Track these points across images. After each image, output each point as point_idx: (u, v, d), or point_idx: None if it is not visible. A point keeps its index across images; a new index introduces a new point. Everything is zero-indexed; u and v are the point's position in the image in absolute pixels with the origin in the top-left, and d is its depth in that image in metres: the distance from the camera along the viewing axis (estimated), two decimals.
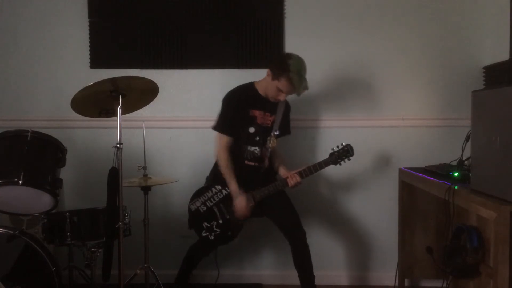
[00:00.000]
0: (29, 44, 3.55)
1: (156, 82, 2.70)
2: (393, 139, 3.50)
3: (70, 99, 2.58)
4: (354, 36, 3.48)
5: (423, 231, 3.22)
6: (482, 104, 2.29)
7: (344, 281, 3.57)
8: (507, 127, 2.05)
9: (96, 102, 2.67)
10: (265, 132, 3.05)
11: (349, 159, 2.96)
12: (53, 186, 2.74)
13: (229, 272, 3.52)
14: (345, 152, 2.94)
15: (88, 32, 3.53)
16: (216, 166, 3.08)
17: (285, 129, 3.15)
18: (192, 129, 3.53)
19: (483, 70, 3.42)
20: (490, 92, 2.37)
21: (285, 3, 3.48)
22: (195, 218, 3.02)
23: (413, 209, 3.21)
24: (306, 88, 2.89)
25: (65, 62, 3.55)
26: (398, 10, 3.47)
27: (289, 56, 2.91)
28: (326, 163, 2.95)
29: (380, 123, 3.50)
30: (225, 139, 3.00)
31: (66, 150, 2.86)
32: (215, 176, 3.06)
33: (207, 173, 3.15)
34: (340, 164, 2.96)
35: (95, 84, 2.51)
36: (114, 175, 2.61)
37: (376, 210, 3.53)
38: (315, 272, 2.98)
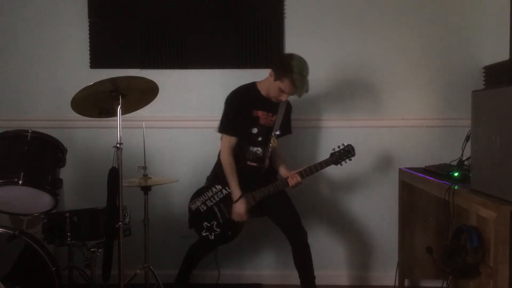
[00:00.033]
0: (29, 44, 3.55)
1: (156, 82, 2.70)
2: (393, 139, 3.50)
3: (70, 99, 2.58)
4: (354, 36, 3.48)
5: (423, 231, 3.21)
6: (482, 104, 2.29)
7: (344, 281, 3.57)
8: (507, 127, 2.05)
9: (96, 102, 2.67)
10: (267, 132, 3.04)
11: (350, 160, 2.95)
12: (53, 186, 2.74)
13: (229, 272, 3.52)
14: (346, 152, 2.93)
15: (88, 32, 3.53)
16: (217, 166, 3.07)
17: (286, 129, 3.14)
18: (192, 129, 3.53)
19: (483, 70, 3.42)
20: (490, 92, 2.37)
21: (285, 3, 3.48)
22: (195, 217, 3.02)
23: (413, 209, 3.21)
24: (307, 90, 2.88)
25: (65, 62, 3.55)
26: (398, 10, 3.47)
27: (292, 57, 2.89)
28: (327, 163, 2.94)
29: (380, 123, 3.50)
30: (229, 139, 2.98)
31: (66, 150, 2.86)
32: (216, 176, 3.05)
33: (207, 173, 3.14)
34: (341, 164, 2.95)
35: (95, 84, 2.51)
36: (114, 175, 2.61)
37: (376, 210, 3.53)
38: (315, 272, 2.97)
